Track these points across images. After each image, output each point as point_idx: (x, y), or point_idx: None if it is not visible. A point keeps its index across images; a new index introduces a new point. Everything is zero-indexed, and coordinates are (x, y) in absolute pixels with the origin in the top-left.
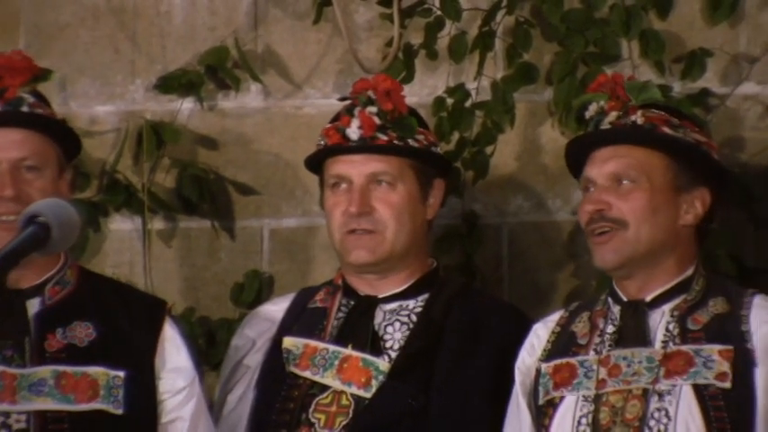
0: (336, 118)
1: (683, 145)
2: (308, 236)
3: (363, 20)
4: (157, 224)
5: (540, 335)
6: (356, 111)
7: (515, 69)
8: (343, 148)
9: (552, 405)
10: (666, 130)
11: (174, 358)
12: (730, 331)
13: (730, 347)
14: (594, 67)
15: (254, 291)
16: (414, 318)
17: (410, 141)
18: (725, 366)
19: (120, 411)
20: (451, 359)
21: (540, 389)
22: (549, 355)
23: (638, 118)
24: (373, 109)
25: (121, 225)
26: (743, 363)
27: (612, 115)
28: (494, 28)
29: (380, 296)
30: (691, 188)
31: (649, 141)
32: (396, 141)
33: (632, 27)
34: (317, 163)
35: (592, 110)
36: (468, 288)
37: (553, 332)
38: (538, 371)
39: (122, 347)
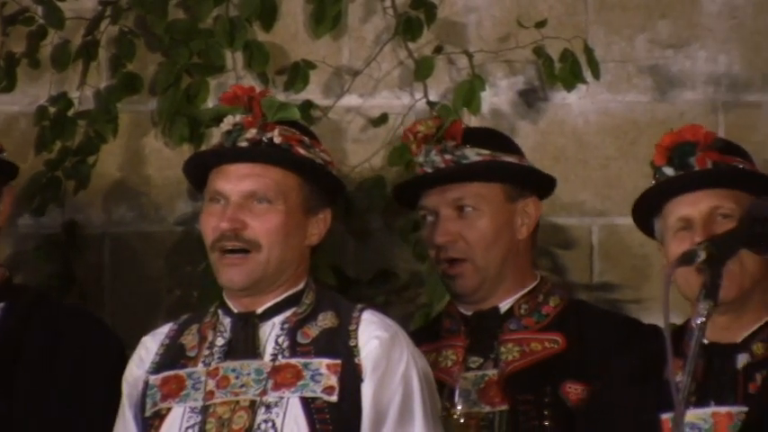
0: None
1: (316, 167)
2: None
3: None
4: None
5: (148, 347)
6: None
7: (119, 79)
8: None
9: (159, 416)
10: (300, 150)
11: None
12: (339, 346)
13: (338, 362)
14: (199, 77)
15: None
16: None
17: None
18: (332, 380)
19: None
20: (33, 366)
21: (148, 400)
22: (157, 368)
23: (275, 136)
24: None
25: None
26: (350, 377)
27: (251, 132)
28: (98, 37)
29: None
30: (318, 210)
31: (289, 163)
32: None
33: (236, 38)
34: None
35: (228, 123)
36: (43, 297)
37: (162, 344)
38: (146, 383)
39: None
